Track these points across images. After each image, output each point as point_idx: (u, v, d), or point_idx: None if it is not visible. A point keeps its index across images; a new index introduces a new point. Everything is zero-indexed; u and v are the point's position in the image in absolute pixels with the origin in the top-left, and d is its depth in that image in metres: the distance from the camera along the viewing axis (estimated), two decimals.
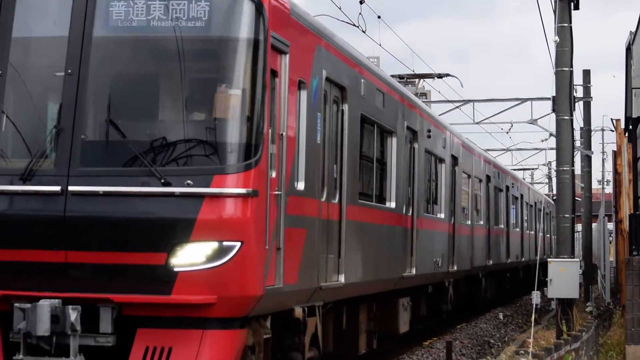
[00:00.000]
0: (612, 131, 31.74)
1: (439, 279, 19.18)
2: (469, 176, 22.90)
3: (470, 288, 24.57)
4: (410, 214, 16.09)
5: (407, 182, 15.91)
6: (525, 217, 35.49)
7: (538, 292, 18.68)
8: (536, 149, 48.85)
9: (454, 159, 20.64)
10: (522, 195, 34.56)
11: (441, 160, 19.27)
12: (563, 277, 17.80)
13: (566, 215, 18.59)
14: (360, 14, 18.76)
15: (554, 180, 39.24)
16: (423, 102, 19.31)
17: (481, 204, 25.03)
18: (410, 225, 16.09)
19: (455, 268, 20.24)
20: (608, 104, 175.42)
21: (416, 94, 21.13)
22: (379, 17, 20.71)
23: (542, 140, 49.69)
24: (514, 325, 25.38)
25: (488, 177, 25.93)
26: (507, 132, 38.27)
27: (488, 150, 34.35)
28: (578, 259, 19.54)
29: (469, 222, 22.81)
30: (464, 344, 20.01)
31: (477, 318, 26.26)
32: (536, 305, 18.59)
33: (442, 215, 19.29)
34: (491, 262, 25.98)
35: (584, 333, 15.06)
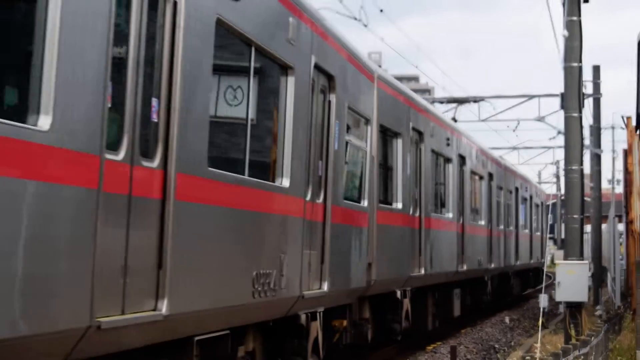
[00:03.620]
0: (623, 129, 31.18)
1: None
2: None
3: None
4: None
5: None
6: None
7: (546, 295, 18.41)
8: (544, 147, 48.18)
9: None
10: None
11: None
12: (572, 280, 17.46)
13: (575, 216, 18.20)
14: (362, 7, 18.45)
15: (562, 179, 38.60)
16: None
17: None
18: None
19: None
20: (619, 100, 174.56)
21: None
22: (381, 10, 20.32)
23: (550, 139, 49.08)
24: (520, 330, 24.82)
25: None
26: (513, 130, 37.66)
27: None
28: (587, 261, 19.13)
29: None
30: (468, 348, 19.50)
31: (483, 322, 25.72)
32: (543, 308, 18.28)
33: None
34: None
35: (593, 338, 14.60)
